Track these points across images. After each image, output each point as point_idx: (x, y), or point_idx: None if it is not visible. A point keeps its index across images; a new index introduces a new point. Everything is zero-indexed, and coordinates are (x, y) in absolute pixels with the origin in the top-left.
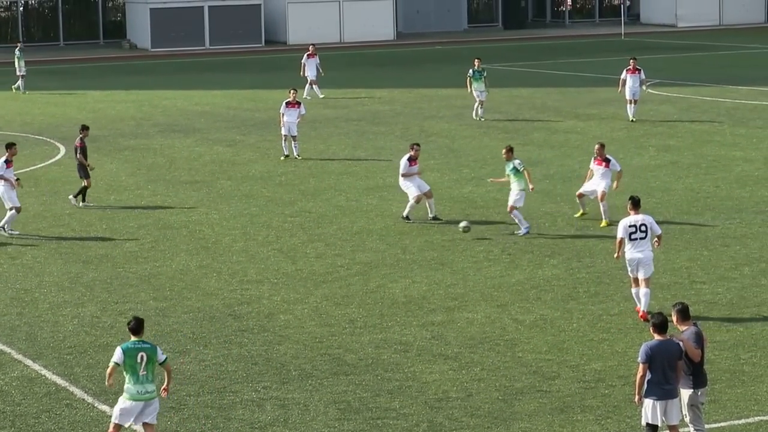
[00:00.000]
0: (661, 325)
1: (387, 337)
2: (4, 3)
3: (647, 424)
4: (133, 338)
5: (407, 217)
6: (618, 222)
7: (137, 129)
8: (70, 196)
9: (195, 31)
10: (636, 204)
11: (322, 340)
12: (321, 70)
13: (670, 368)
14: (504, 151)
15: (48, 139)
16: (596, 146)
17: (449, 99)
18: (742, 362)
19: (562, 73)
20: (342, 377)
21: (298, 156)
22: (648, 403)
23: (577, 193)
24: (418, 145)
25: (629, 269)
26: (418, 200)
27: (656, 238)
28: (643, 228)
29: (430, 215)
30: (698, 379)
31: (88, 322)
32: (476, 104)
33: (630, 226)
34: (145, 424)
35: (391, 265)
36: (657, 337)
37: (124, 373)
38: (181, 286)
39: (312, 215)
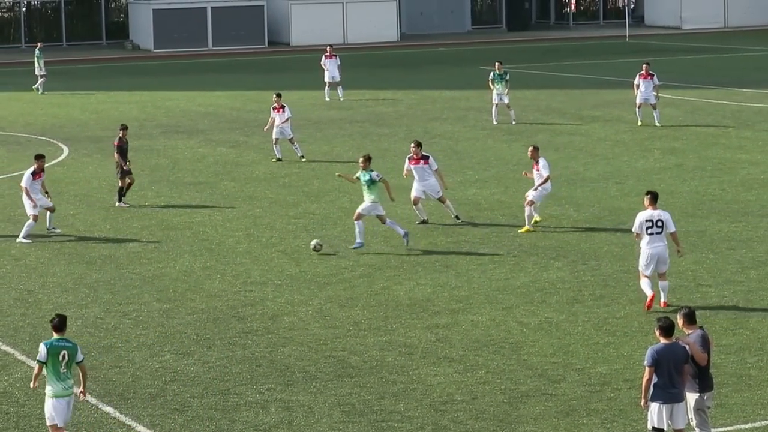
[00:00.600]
0: (668, 329)
1: (391, 340)
2: (7, 3)
3: (653, 428)
4: (55, 335)
5: (424, 221)
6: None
7: (140, 130)
8: (117, 204)
9: (198, 32)
10: (654, 199)
11: (327, 342)
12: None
13: (677, 372)
14: (361, 160)
15: (51, 140)
16: (530, 149)
17: (453, 101)
18: (749, 366)
19: (566, 75)
20: (346, 379)
21: (303, 158)
22: (654, 406)
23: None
24: (415, 143)
25: (644, 263)
26: (414, 202)
27: (671, 236)
28: (659, 223)
29: (453, 215)
30: (704, 383)
31: (92, 324)
32: (494, 108)
33: (646, 221)
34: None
35: (395, 268)
36: (663, 340)
37: (45, 371)
38: (184, 287)
39: (316, 217)
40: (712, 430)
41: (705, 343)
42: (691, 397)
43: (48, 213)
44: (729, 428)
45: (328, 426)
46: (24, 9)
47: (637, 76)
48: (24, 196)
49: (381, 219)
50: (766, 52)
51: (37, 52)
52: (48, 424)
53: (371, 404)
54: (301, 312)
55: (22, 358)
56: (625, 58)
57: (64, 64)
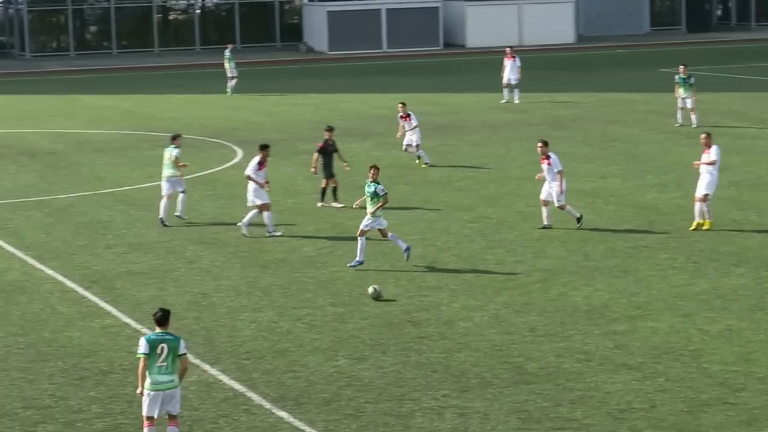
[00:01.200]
0: None
1: (568, 346)
2: (181, 6)
3: None
4: (158, 329)
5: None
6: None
7: (314, 133)
8: (333, 204)
9: (372, 34)
10: None
11: (503, 347)
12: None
13: None
14: (371, 171)
15: (225, 143)
16: (539, 144)
17: (632, 104)
18: None
19: (747, 78)
20: (523, 386)
21: (427, 164)
22: None
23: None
24: (542, 141)
25: None
26: (543, 204)
27: None
28: None
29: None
30: None
31: (266, 327)
32: (678, 111)
33: None
34: (168, 414)
35: (572, 273)
36: None
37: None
38: (359, 291)
39: (492, 221)
40: None
41: None
42: None
43: (265, 213)
44: None
45: None
46: (198, 11)
47: None
48: (251, 185)
49: (383, 233)
50: None
51: (227, 53)
52: (144, 415)
53: (548, 411)
54: (476, 317)
55: (196, 361)
56: None
57: (238, 66)
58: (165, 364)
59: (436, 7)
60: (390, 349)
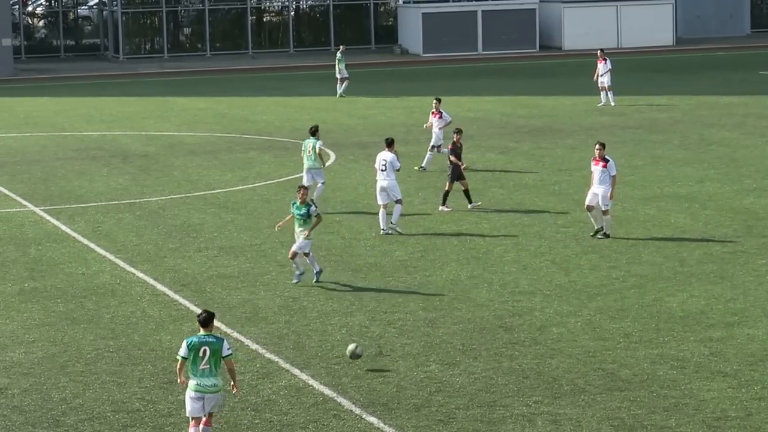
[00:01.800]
0: None
1: (663, 353)
2: (276, 8)
3: None
4: (202, 331)
5: (598, 231)
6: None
7: (407, 136)
8: (469, 206)
9: (468, 37)
10: None
11: (596, 354)
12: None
13: None
14: (300, 192)
15: None
16: (597, 147)
17: (731, 107)
18: None
19: None
20: (616, 393)
21: (422, 168)
22: None
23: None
24: (599, 143)
25: None
26: (587, 209)
27: None
28: None
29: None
30: None
31: (357, 332)
32: None
33: None
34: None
35: (668, 278)
36: None
37: (189, 365)
38: (451, 296)
39: (587, 226)
40: None
41: None
42: None
43: (397, 205)
44: None
45: None
46: (292, 13)
47: None
48: (385, 182)
49: (306, 254)
50: None
51: (338, 55)
52: (188, 416)
53: (641, 419)
54: (569, 323)
55: (286, 366)
56: None
57: (332, 68)
58: (208, 366)
59: (533, 9)
60: (482, 355)
